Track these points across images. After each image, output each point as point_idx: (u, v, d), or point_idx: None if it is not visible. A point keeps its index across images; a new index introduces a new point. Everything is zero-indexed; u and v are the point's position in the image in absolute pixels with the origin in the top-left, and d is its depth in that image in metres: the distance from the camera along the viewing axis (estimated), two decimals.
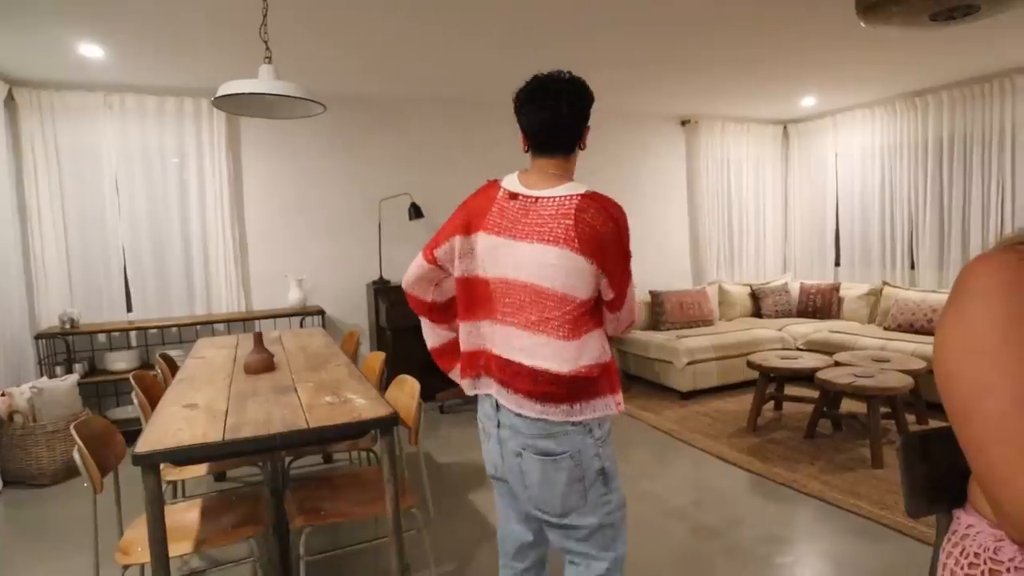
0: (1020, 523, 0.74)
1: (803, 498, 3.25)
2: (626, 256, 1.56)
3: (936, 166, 5.64)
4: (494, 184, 1.65)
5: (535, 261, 1.51)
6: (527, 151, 1.65)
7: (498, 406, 1.64)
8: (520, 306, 1.55)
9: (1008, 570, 0.89)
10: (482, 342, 1.66)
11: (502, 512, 1.85)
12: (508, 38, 3.85)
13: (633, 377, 5.79)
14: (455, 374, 1.84)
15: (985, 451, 0.77)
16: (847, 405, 4.70)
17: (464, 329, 1.70)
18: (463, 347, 1.71)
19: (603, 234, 1.49)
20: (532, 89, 1.57)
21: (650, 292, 5.92)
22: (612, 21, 3.59)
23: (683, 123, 6.69)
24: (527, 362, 1.54)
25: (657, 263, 6.67)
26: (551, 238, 1.49)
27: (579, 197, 1.51)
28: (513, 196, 1.58)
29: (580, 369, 1.52)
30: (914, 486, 1.06)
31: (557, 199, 1.52)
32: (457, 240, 1.63)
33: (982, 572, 0.91)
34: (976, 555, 0.93)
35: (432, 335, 1.83)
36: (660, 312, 5.79)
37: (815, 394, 4.66)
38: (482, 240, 1.59)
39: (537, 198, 1.55)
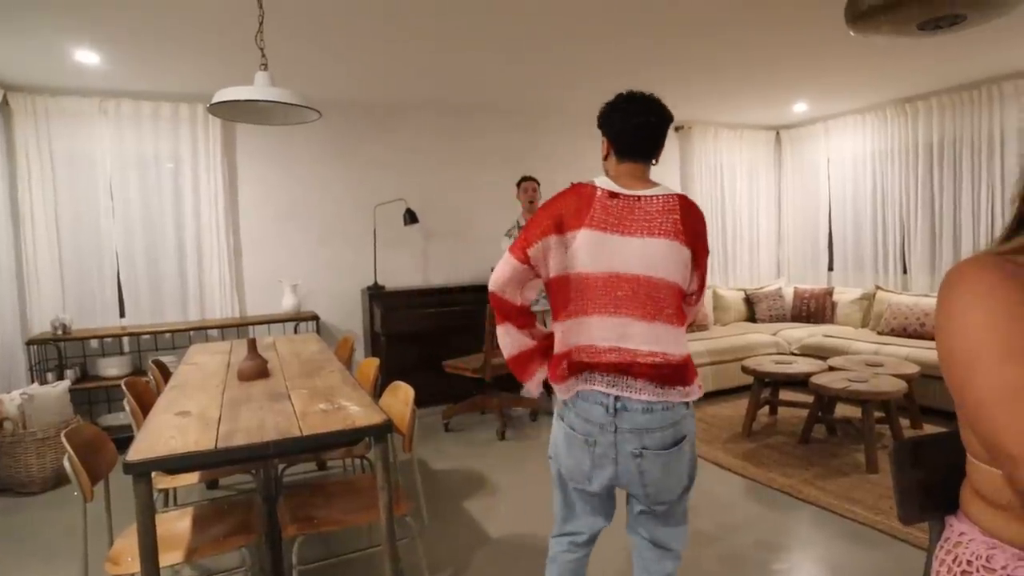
0: None
1: (799, 503, 3.25)
2: (708, 253, 1.74)
3: (927, 171, 5.67)
4: (584, 185, 1.69)
5: (647, 253, 1.61)
6: (607, 157, 1.79)
7: (616, 410, 1.61)
8: (634, 297, 1.61)
9: None
10: (589, 338, 1.65)
11: (579, 508, 1.82)
12: (503, 44, 3.86)
13: None
14: (534, 382, 1.80)
15: (985, 405, 0.80)
16: (841, 410, 4.71)
17: (563, 327, 1.69)
18: (560, 347, 1.71)
19: (699, 231, 1.67)
20: (627, 98, 1.71)
21: None
22: (606, 28, 3.60)
23: (677, 129, 6.71)
24: (645, 348, 1.61)
25: None
26: (661, 231, 1.61)
27: (678, 196, 1.66)
28: (614, 195, 1.65)
29: (686, 353, 1.67)
30: (906, 493, 1.06)
31: (660, 198, 1.65)
32: (553, 239, 1.65)
33: None
34: (969, 563, 0.93)
35: (514, 342, 1.78)
36: None
37: (810, 399, 4.67)
38: (584, 237, 1.62)
39: (640, 196, 1.65)
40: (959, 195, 5.42)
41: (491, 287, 1.75)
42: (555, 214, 1.66)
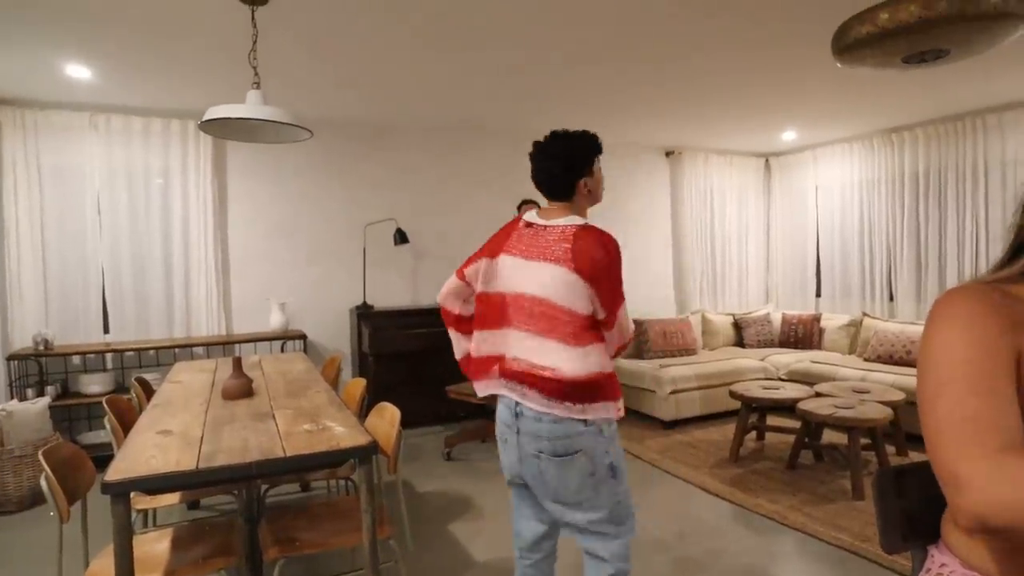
0: (984, 501, 0.75)
1: (785, 529, 3.24)
2: (615, 281, 1.81)
3: (913, 200, 5.75)
4: (518, 218, 1.99)
5: (541, 277, 1.81)
6: None
7: (516, 414, 1.84)
8: (532, 315, 1.82)
9: None
10: (496, 348, 1.92)
11: (518, 509, 2.05)
12: (496, 67, 3.90)
13: None
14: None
15: (942, 432, 0.82)
16: (828, 436, 4.71)
17: (479, 336, 1.96)
18: (475, 353, 1.97)
19: (594, 258, 1.76)
20: (533, 154, 1.94)
21: (634, 320, 5.94)
22: (599, 53, 3.65)
23: (668, 154, 6.78)
24: (538, 361, 1.80)
25: (641, 291, 6.71)
26: (552, 258, 1.80)
27: (576, 227, 1.83)
28: (529, 225, 1.92)
29: (585, 374, 1.77)
30: (888, 521, 1.06)
31: (559, 227, 1.85)
32: (484, 262, 1.95)
33: None
34: None
35: (459, 346, 2.04)
36: (644, 340, 5.81)
37: (797, 424, 4.67)
38: (504, 261, 1.91)
39: (545, 227, 1.88)
40: (944, 224, 5.49)
41: (438, 299, 2.06)
42: (491, 242, 1.98)
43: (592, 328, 1.81)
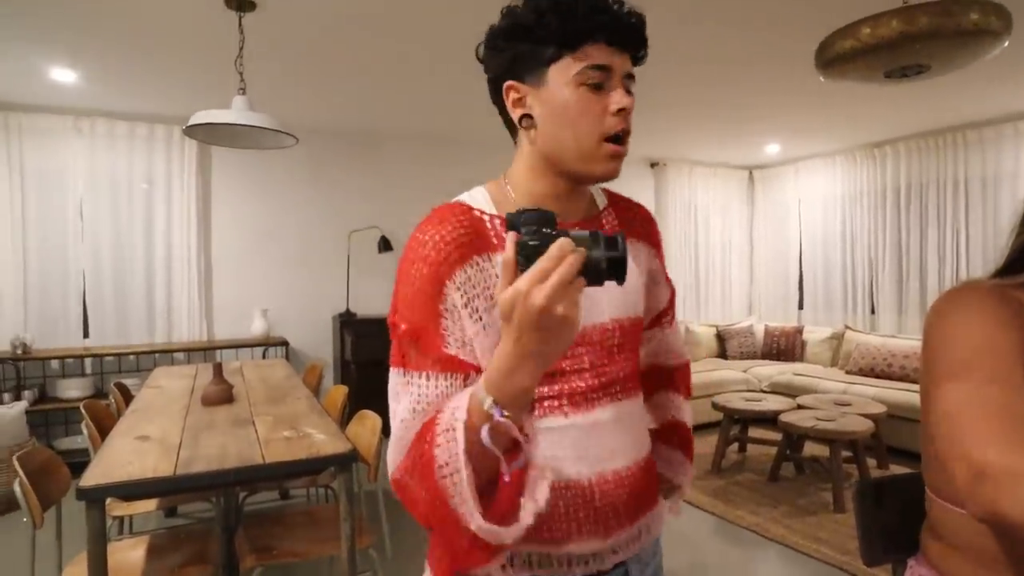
0: (983, 487, 0.72)
1: (766, 542, 3.24)
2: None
3: (894, 214, 5.83)
4: None
5: None
6: None
7: None
8: None
9: None
10: None
11: None
12: (480, 77, 3.91)
13: None
14: None
15: (953, 417, 0.79)
16: (810, 448, 4.73)
17: None
18: None
19: None
20: None
21: None
22: None
23: (652, 165, 6.83)
24: None
25: None
26: None
27: None
28: None
29: None
30: (868, 534, 1.07)
31: None
32: None
33: None
34: None
35: None
36: None
37: (779, 436, 4.69)
38: None
39: None
40: (925, 238, 5.57)
41: None
42: None
43: None
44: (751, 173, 7.37)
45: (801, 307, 6.85)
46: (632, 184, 6.73)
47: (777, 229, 7.10)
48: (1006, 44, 2.02)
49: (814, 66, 2.42)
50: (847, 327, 5.89)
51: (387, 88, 4.13)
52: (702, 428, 5.48)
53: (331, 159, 5.37)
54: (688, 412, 1.13)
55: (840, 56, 2.17)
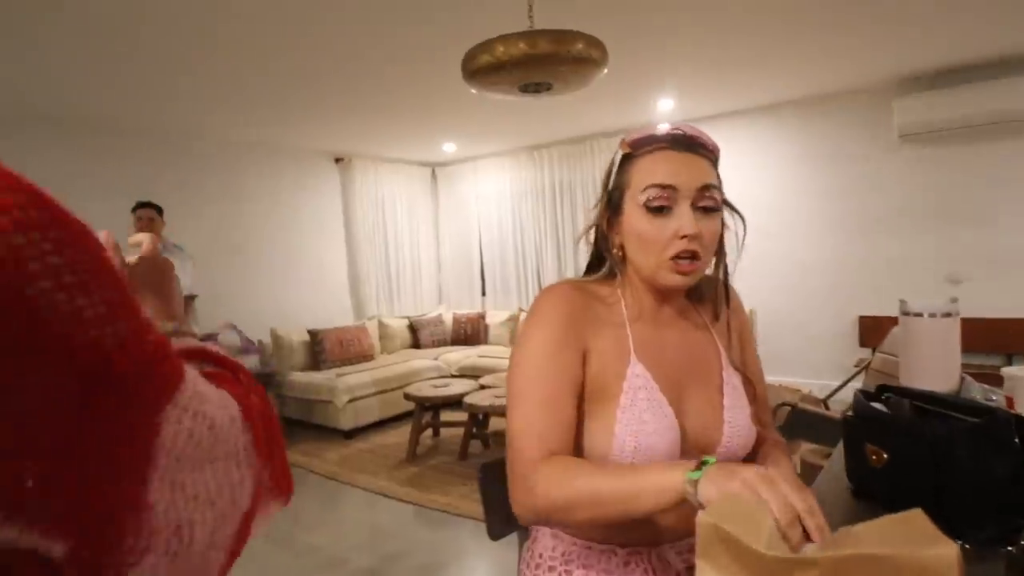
0: (536, 504, 0.92)
1: (458, 520, 3.40)
2: None
3: (552, 208, 6.69)
4: None
5: None
6: None
7: None
8: None
9: (561, 563, 1.07)
10: None
11: None
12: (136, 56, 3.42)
13: (294, 421, 5.53)
14: None
15: (517, 436, 0.96)
16: (496, 424, 5.14)
17: None
18: None
19: None
20: None
21: (308, 331, 5.75)
22: (241, 60, 3.45)
23: (337, 160, 6.74)
24: None
25: (316, 300, 6.54)
26: None
27: None
28: None
29: None
30: (491, 509, 1.18)
31: None
32: None
33: (548, 568, 1.07)
34: (541, 555, 1.10)
35: None
36: (319, 351, 5.65)
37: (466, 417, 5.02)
38: None
39: None
40: (576, 228, 6.49)
41: None
42: None
43: None
44: (434, 170, 7.73)
45: (484, 294, 7.43)
46: (318, 179, 6.57)
47: (459, 223, 7.58)
48: (605, 72, 2.41)
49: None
50: (521, 309, 6.55)
51: None
52: (399, 418, 5.59)
53: None
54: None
55: (481, 69, 2.36)
